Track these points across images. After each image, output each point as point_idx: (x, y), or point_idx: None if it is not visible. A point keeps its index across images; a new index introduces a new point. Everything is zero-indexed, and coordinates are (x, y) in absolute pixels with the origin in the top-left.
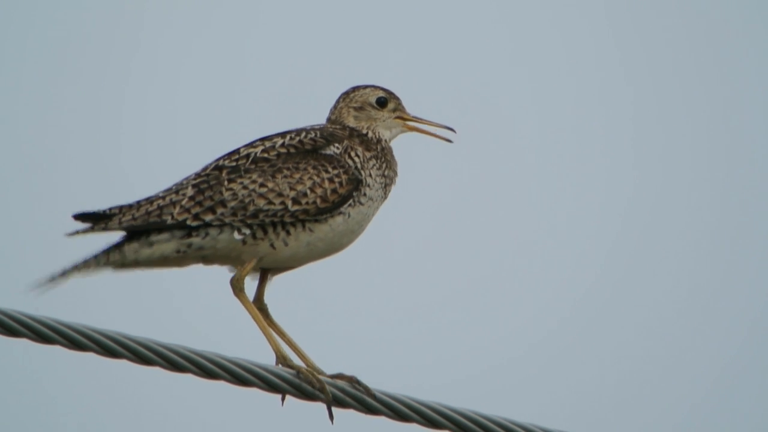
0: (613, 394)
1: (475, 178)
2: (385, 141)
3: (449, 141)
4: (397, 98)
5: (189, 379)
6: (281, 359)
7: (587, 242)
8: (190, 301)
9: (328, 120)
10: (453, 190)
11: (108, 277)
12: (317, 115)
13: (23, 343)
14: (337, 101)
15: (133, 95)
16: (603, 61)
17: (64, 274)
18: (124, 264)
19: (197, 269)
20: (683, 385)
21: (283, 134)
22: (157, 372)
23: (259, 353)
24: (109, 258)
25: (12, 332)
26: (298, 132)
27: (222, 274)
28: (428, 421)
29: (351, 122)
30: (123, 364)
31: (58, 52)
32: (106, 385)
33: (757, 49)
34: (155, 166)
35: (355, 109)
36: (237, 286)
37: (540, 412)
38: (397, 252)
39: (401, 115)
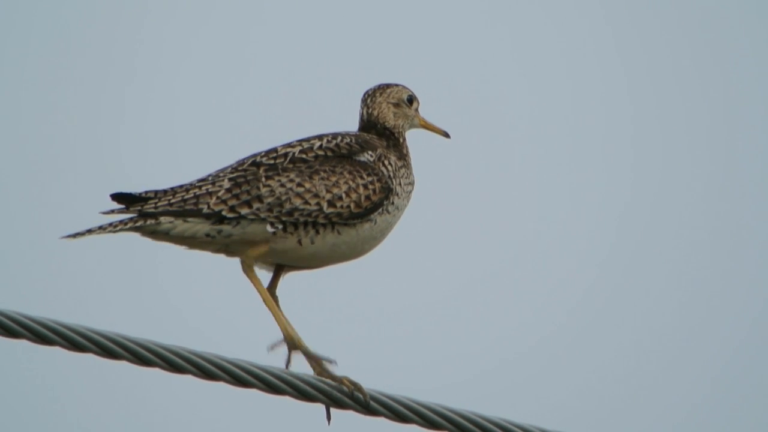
0: (613, 395)
1: (475, 178)
2: (405, 140)
3: (448, 136)
4: (418, 99)
5: (189, 380)
6: (289, 339)
7: (587, 243)
8: (190, 302)
9: (367, 117)
10: (453, 191)
11: (114, 270)
12: (317, 114)
13: (23, 344)
14: (372, 97)
15: (139, 94)
16: (602, 61)
17: (101, 228)
18: (155, 232)
19: (201, 266)
20: (683, 385)
21: (320, 137)
22: (156, 373)
23: (260, 354)
24: (146, 223)
25: (12, 333)
26: (334, 136)
27: (224, 274)
28: (427, 422)
29: (390, 119)
30: (123, 365)
31: (58, 54)
32: (106, 387)
33: (757, 49)
34: (164, 165)
35: (394, 105)
36: (246, 263)
37: (539, 412)
38: (397, 252)
39: (418, 116)
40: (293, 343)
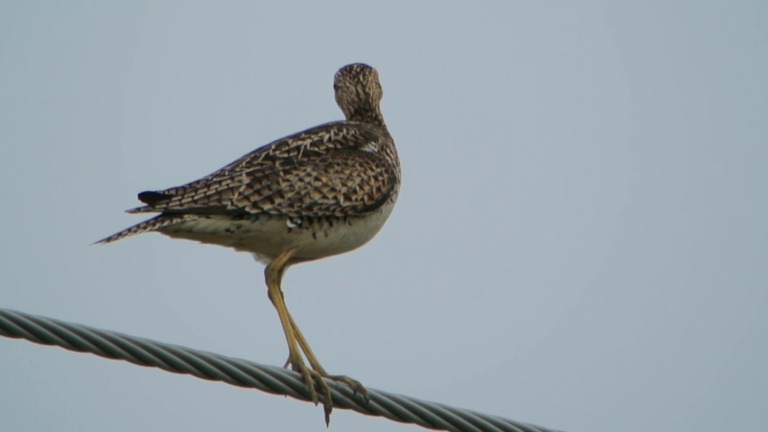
0: (613, 394)
1: (475, 177)
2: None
3: None
4: None
5: (188, 379)
6: (294, 358)
7: (586, 242)
8: (190, 301)
9: (366, 95)
10: (453, 190)
11: (113, 269)
12: (315, 112)
13: (22, 343)
14: (363, 75)
15: (136, 95)
16: (601, 60)
17: (129, 230)
18: (178, 231)
19: (201, 265)
20: (683, 385)
21: (326, 128)
22: (156, 373)
23: (259, 353)
24: (171, 223)
25: (11, 333)
26: (339, 127)
27: (224, 273)
28: (427, 422)
29: (378, 101)
30: (122, 364)
31: (62, 55)
32: (106, 386)
33: (757, 49)
34: (168, 157)
35: (377, 85)
36: (271, 276)
37: (539, 412)
38: (397, 252)
39: None
40: (296, 364)
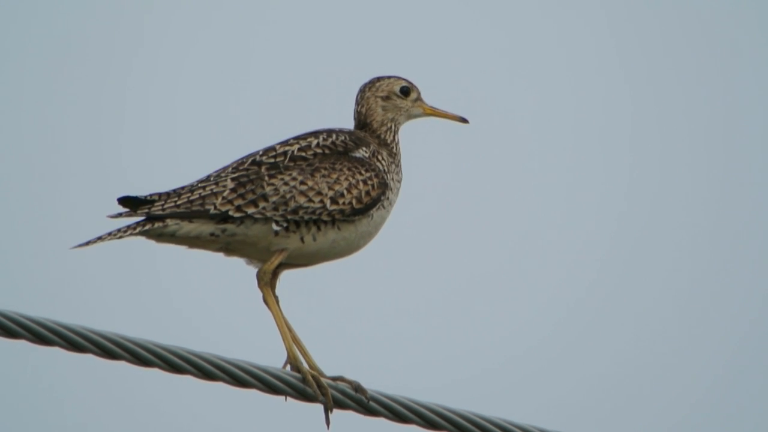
0: (612, 395)
1: (475, 178)
2: (398, 138)
3: (466, 121)
4: (417, 88)
5: (188, 380)
6: (292, 359)
7: (586, 242)
8: (189, 302)
9: (357, 113)
10: (453, 191)
11: (112, 270)
12: (318, 114)
13: (22, 344)
14: (362, 92)
15: (137, 97)
16: (603, 60)
17: (110, 234)
18: (161, 235)
19: (200, 267)
20: (683, 385)
21: (315, 134)
22: (155, 373)
23: (259, 354)
24: (153, 227)
25: (11, 334)
26: (329, 133)
27: (223, 274)
28: (427, 423)
29: (379, 114)
30: (122, 365)
31: (60, 57)
32: (105, 387)
33: (757, 49)
34: (163, 164)
35: (383, 98)
36: (263, 279)
37: (538, 413)
38: (397, 252)
39: (422, 105)
40: (295, 364)
